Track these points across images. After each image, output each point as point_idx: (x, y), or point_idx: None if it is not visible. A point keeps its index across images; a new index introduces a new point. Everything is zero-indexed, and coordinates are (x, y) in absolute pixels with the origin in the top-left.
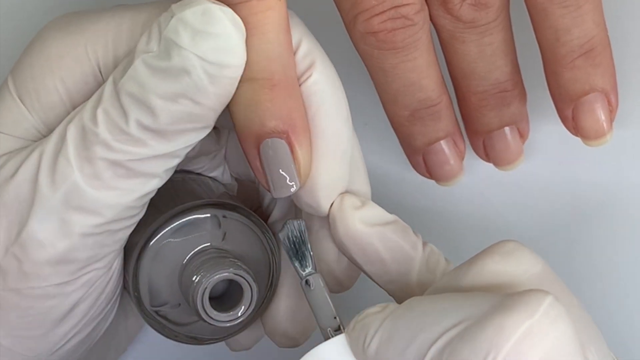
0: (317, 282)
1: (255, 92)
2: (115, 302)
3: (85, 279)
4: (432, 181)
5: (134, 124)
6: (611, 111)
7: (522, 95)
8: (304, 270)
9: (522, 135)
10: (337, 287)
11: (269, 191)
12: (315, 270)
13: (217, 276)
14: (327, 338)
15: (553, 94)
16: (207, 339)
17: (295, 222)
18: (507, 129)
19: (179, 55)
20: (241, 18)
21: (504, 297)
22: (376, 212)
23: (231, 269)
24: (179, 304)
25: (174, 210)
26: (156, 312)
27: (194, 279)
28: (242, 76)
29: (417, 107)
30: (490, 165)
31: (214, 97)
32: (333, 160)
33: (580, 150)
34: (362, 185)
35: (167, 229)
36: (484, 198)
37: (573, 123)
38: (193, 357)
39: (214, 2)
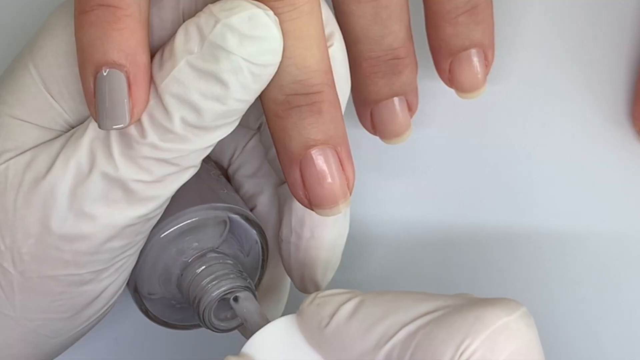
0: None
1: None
2: None
3: (119, 264)
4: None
5: (179, 123)
6: (487, 66)
7: (414, 65)
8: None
9: (411, 109)
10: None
11: (95, 119)
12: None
13: (224, 292)
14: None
15: (432, 47)
16: (191, 326)
17: None
18: (396, 99)
19: (227, 59)
20: None
21: (482, 298)
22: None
23: (238, 283)
24: (171, 299)
25: (182, 212)
26: (149, 299)
27: (203, 284)
28: None
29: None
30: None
31: (254, 93)
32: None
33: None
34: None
35: (173, 229)
36: (476, 202)
37: (449, 75)
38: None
39: (257, 5)
